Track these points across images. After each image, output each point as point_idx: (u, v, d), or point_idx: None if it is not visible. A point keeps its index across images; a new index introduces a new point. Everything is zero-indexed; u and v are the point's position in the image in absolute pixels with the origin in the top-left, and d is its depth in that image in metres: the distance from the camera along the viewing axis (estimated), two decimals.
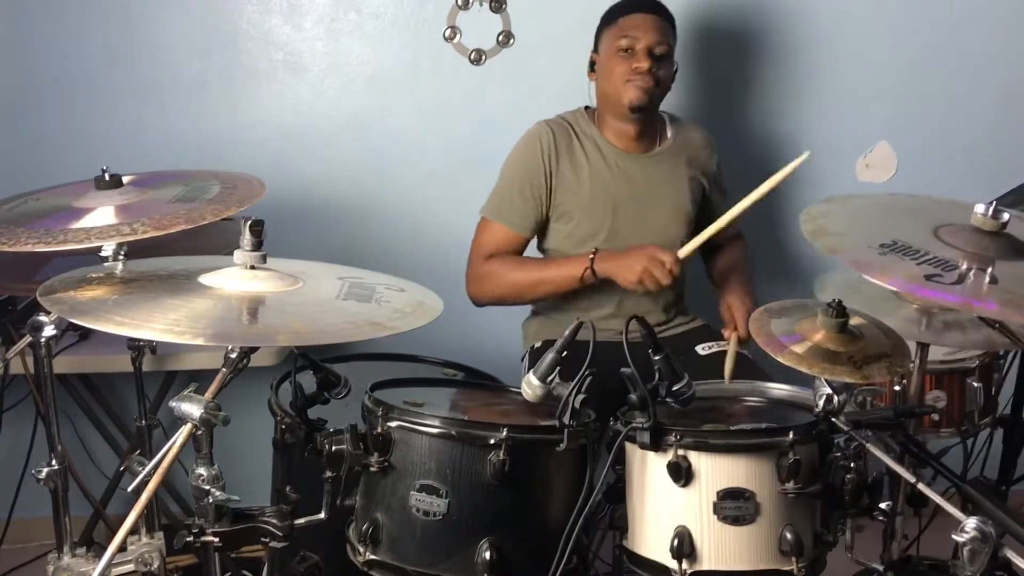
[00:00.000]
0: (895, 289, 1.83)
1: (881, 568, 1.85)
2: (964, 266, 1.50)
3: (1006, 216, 1.56)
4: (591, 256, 2.29)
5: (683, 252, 2.21)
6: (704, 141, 2.55)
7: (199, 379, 1.60)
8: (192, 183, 1.87)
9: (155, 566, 2.02)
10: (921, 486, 1.51)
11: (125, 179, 1.84)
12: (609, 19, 2.43)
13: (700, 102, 2.87)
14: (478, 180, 2.54)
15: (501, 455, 1.53)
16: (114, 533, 1.42)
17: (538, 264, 2.44)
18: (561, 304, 2.46)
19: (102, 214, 1.74)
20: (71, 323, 1.65)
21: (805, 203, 1.74)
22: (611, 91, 2.38)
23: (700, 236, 2.19)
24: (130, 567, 1.99)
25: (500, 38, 2.84)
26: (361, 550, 1.61)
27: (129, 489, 1.48)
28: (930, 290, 1.44)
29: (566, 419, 1.54)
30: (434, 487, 1.56)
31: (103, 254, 1.69)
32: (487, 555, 1.54)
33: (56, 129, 2.80)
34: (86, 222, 1.72)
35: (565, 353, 1.62)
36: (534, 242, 2.51)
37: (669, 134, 2.51)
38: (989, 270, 1.51)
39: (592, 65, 2.46)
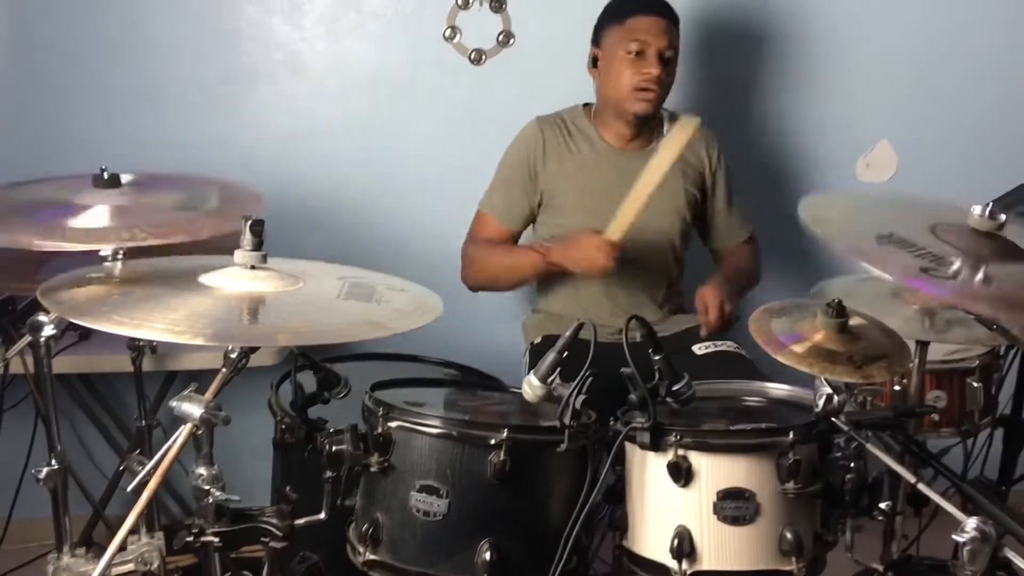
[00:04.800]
0: (891, 278, 1.82)
1: (881, 568, 1.85)
2: (959, 263, 1.50)
3: (1002, 217, 1.56)
4: (547, 247, 2.36)
5: (614, 235, 2.25)
6: (700, 135, 2.54)
7: (199, 379, 1.60)
8: (192, 190, 1.86)
9: (155, 566, 2.01)
10: (921, 486, 1.51)
11: (124, 179, 1.84)
12: (615, 16, 2.41)
13: (701, 100, 2.86)
14: (478, 179, 2.54)
15: (501, 455, 1.53)
16: (114, 533, 1.42)
17: (503, 251, 2.50)
18: (561, 301, 2.48)
19: (99, 213, 1.73)
20: (71, 323, 1.65)
21: None
22: (616, 95, 2.38)
23: (625, 214, 2.23)
24: (130, 567, 1.98)
25: (500, 38, 2.84)
26: (361, 550, 1.61)
27: (129, 489, 1.48)
28: (924, 282, 1.44)
29: (567, 419, 1.54)
30: (434, 487, 1.56)
31: (103, 254, 1.68)
32: (487, 555, 1.54)
33: (55, 128, 2.79)
34: (83, 221, 1.71)
35: (566, 354, 1.62)
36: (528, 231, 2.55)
37: (665, 130, 2.50)
38: (983, 268, 1.51)
39: (595, 61, 2.44)
